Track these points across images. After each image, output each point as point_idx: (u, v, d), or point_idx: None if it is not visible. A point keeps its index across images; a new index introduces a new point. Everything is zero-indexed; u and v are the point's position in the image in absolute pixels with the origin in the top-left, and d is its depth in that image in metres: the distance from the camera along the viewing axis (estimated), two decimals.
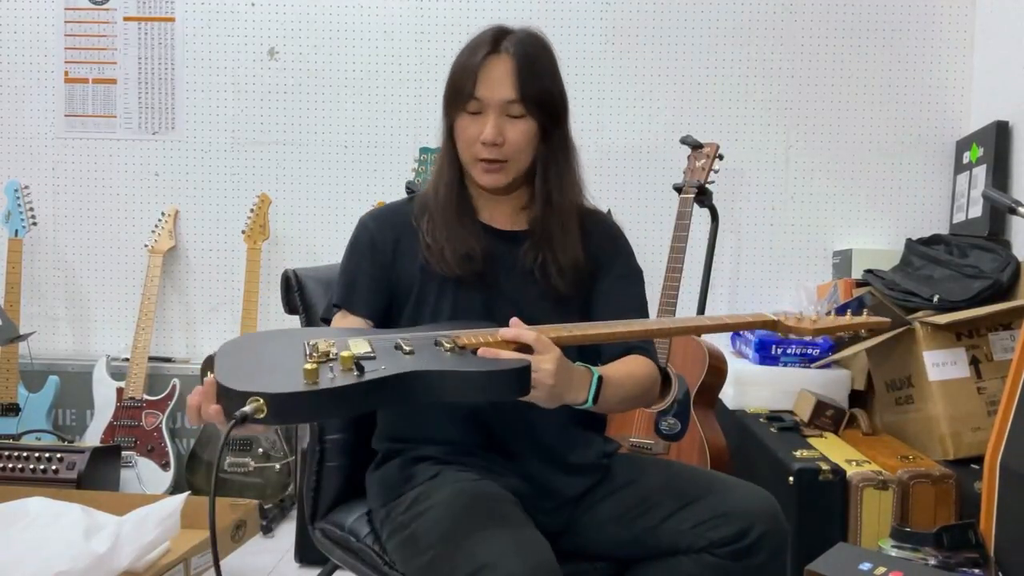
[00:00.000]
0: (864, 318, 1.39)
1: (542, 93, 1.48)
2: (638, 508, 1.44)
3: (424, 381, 1.18)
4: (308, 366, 1.12)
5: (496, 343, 1.26)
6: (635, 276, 1.62)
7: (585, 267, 1.54)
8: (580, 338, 1.33)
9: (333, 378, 1.13)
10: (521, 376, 1.20)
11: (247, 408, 1.07)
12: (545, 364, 1.24)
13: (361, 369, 1.14)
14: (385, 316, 1.54)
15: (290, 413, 1.15)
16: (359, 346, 1.23)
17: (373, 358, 1.20)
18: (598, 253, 1.58)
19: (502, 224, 1.57)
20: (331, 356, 1.19)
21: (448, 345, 1.25)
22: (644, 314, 1.60)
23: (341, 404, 1.16)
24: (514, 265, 1.53)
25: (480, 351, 1.24)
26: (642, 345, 1.54)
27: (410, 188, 2.82)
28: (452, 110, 1.51)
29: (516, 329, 1.28)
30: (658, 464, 1.57)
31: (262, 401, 1.08)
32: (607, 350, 1.52)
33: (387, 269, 1.54)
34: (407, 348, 1.24)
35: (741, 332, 2.98)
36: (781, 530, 1.39)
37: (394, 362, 1.20)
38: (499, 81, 1.46)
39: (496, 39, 1.49)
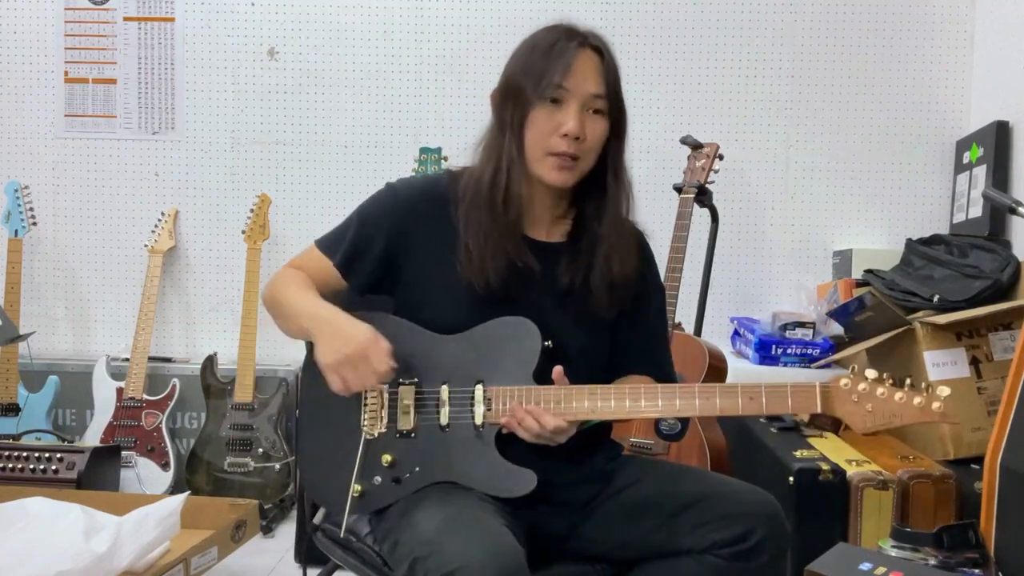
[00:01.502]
0: (935, 411, 1.21)
1: (619, 93, 1.47)
2: (640, 509, 1.44)
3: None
4: (356, 490, 1.42)
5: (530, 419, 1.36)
6: (662, 302, 1.65)
7: (632, 285, 1.52)
8: (605, 415, 1.39)
9: (378, 484, 1.42)
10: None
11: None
12: (558, 438, 1.37)
13: (399, 481, 1.42)
14: (380, 293, 1.52)
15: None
16: (405, 419, 1.43)
17: (413, 437, 1.43)
18: (641, 276, 1.56)
19: (539, 235, 1.51)
20: (382, 431, 1.43)
21: (479, 421, 1.41)
22: (666, 334, 1.65)
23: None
24: (550, 283, 1.48)
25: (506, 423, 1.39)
26: (662, 370, 1.59)
27: None
28: (527, 99, 1.43)
29: (540, 414, 1.35)
30: (660, 465, 1.57)
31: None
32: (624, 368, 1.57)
33: (401, 254, 1.48)
34: (444, 422, 1.42)
35: (740, 332, 2.99)
36: (783, 532, 1.39)
37: (427, 458, 1.42)
38: (587, 74, 1.43)
39: (576, 32, 1.47)
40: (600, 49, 1.46)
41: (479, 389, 1.41)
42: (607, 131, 1.46)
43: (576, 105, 1.42)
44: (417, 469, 1.42)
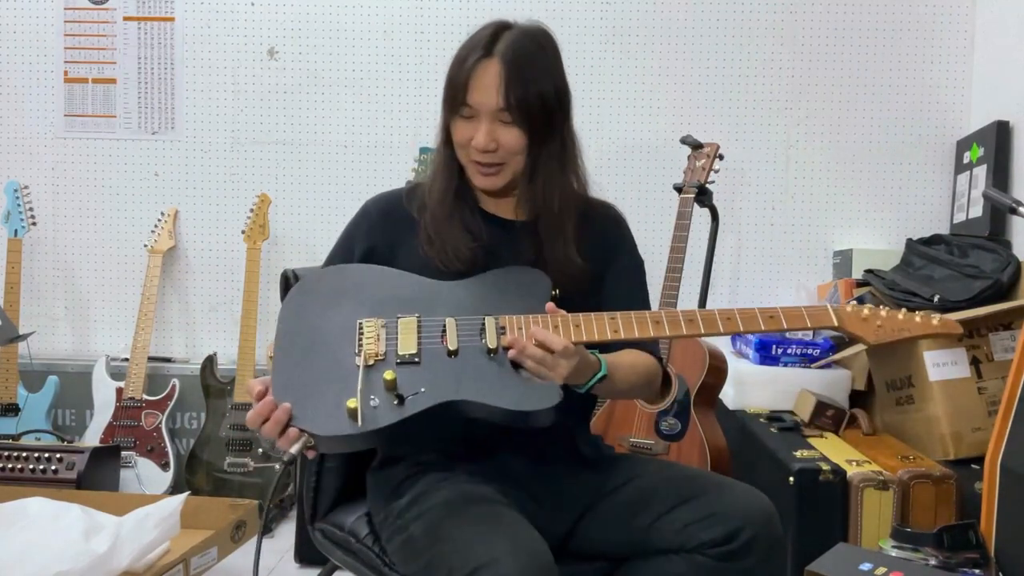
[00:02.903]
0: (936, 325, 1.30)
1: (530, 101, 1.43)
2: (633, 507, 1.44)
3: (460, 408, 1.29)
4: (351, 404, 1.24)
5: (532, 340, 1.29)
6: (638, 268, 1.64)
7: (583, 265, 1.52)
8: (610, 341, 1.36)
9: (376, 406, 1.26)
10: (553, 409, 1.28)
11: (295, 448, 1.26)
12: (560, 369, 1.28)
13: (402, 400, 1.26)
14: None
15: (336, 447, 1.37)
16: (407, 343, 1.33)
17: (417, 363, 1.31)
18: (602, 243, 1.58)
19: (506, 213, 1.56)
20: (379, 357, 1.31)
21: (492, 344, 1.31)
22: (647, 307, 1.61)
23: (381, 439, 1.29)
24: (519, 256, 1.51)
25: (512, 352, 1.29)
26: (649, 346, 1.56)
27: None
28: (448, 113, 1.51)
29: (545, 333, 1.30)
30: (656, 464, 1.57)
31: (308, 436, 1.26)
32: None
33: (385, 261, 1.53)
34: (452, 346, 1.32)
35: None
36: (773, 534, 1.37)
37: (435, 379, 1.29)
38: (488, 88, 1.43)
39: (492, 40, 1.45)
40: (507, 58, 1.43)
41: (489, 319, 1.34)
42: (523, 138, 1.46)
43: (485, 120, 1.45)
44: (423, 389, 1.28)
